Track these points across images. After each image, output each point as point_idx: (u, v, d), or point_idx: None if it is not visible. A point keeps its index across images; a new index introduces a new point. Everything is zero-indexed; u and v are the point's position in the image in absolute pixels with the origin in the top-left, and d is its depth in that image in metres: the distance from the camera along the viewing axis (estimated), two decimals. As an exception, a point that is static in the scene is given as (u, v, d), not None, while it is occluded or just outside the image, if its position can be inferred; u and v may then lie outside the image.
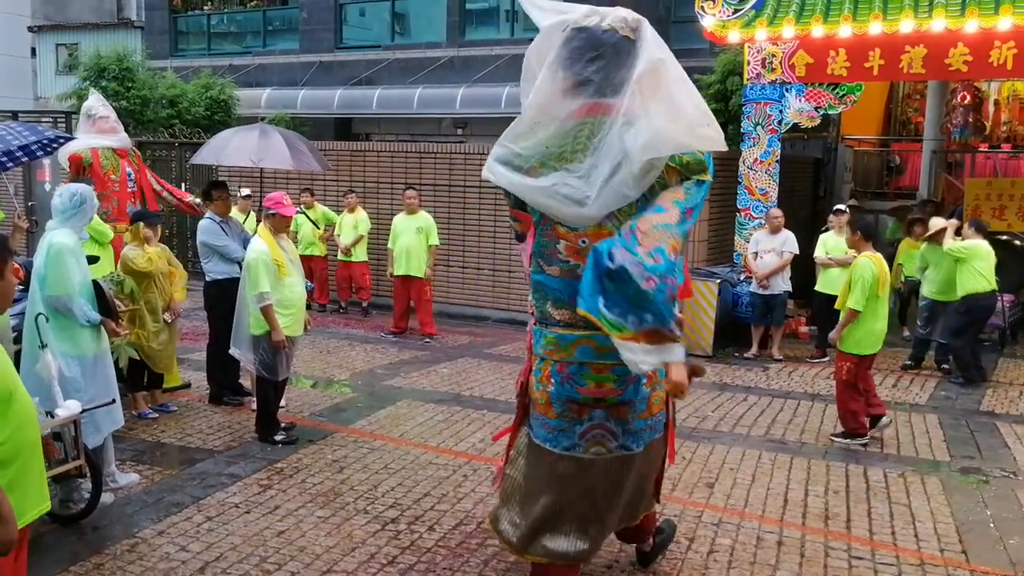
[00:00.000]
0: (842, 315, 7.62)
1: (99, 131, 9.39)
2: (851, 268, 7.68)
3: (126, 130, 19.37)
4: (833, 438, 7.67)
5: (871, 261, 7.44)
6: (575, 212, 4.08)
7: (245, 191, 12.12)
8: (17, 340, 5.82)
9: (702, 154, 4.21)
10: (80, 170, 8.96)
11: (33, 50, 31.07)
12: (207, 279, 8.17)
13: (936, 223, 10.22)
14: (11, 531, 3.06)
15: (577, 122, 4.12)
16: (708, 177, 4.25)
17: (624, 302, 3.81)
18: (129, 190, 9.40)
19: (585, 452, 4.30)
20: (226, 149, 9.13)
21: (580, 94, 4.13)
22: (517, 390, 4.72)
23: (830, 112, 11.42)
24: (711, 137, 4.13)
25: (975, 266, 9.47)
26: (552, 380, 4.33)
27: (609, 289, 3.83)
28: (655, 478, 4.78)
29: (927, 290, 10.41)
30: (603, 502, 4.41)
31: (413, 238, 11.50)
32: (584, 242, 4.16)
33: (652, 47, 4.10)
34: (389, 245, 11.88)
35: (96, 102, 9.71)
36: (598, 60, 4.11)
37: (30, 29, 30.99)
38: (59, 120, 17.78)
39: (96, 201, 6.00)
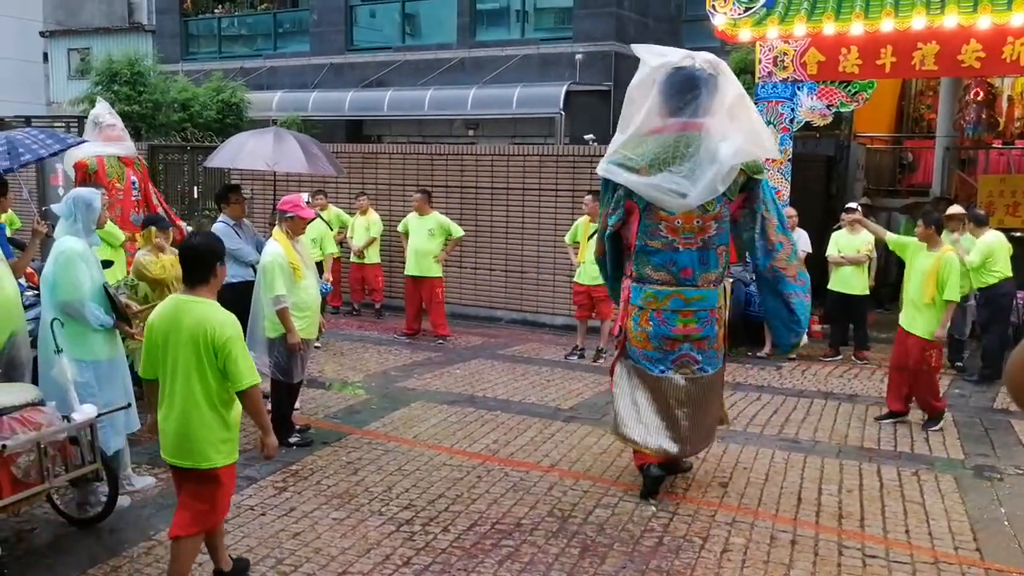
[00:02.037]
0: (920, 306, 7.79)
1: (105, 139, 9.39)
2: (938, 263, 7.68)
3: (138, 135, 19.53)
4: (929, 430, 7.90)
5: (955, 253, 7.80)
6: (679, 203, 5.76)
7: None
8: (33, 345, 5.87)
9: (756, 160, 5.99)
10: (86, 177, 8.96)
11: (45, 55, 31.26)
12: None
13: (953, 209, 10.24)
14: (276, 441, 4.66)
15: (676, 135, 5.80)
16: (764, 175, 6.08)
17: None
18: (133, 199, 9.38)
19: (675, 374, 6.00)
20: (241, 153, 9.13)
21: (679, 115, 5.82)
22: (615, 334, 6.47)
23: (842, 110, 11.36)
24: (772, 149, 6.17)
25: (988, 264, 9.48)
26: (651, 323, 6.03)
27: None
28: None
29: None
30: (687, 413, 6.03)
31: (424, 239, 11.53)
32: (678, 223, 5.89)
33: (734, 83, 5.89)
34: (400, 229, 11.98)
35: (103, 110, 9.69)
36: (694, 91, 5.78)
37: (42, 34, 31.17)
38: (71, 125, 17.89)
39: (98, 204, 5.98)
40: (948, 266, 7.62)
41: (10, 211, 9.91)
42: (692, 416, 6.06)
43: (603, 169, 6.03)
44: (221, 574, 4.86)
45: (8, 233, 8.86)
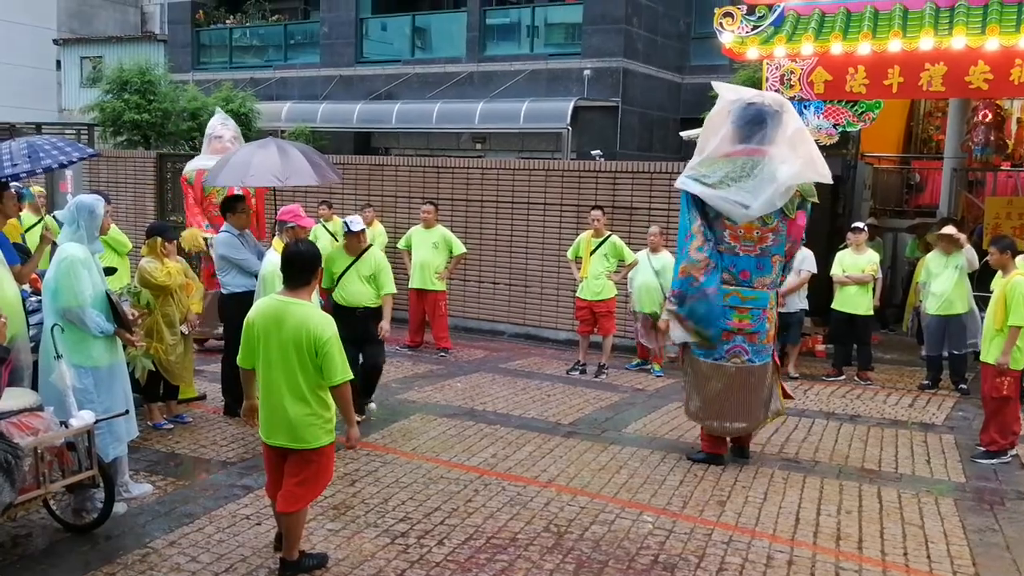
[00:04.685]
0: (992, 333, 7.62)
1: (212, 151, 9.02)
2: (1004, 287, 7.56)
3: (147, 143, 19.44)
4: (977, 460, 7.69)
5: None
6: (743, 213, 6.91)
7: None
8: (35, 350, 5.87)
9: (810, 184, 7.11)
10: (185, 188, 8.66)
11: (58, 63, 31.44)
12: (224, 292, 8.18)
13: (948, 230, 10.23)
14: (358, 433, 5.17)
15: (744, 159, 6.95)
16: (815, 199, 7.30)
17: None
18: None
19: (727, 362, 7.15)
20: (249, 170, 8.75)
21: (748, 142, 6.95)
22: None
23: (849, 129, 11.35)
24: (825, 174, 7.01)
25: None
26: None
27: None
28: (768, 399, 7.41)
29: (932, 306, 10.32)
30: (739, 396, 7.17)
31: (429, 252, 11.54)
32: (740, 231, 7.05)
33: (796, 118, 7.15)
34: (400, 246, 11.94)
35: (216, 121, 9.37)
36: (762, 124, 6.93)
37: (55, 42, 31.37)
38: (82, 132, 17.98)
39: (101, 211, 5.95)
40: (1014, 290, 7.44)
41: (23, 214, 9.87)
42: (740, 399, 7.19)
43: (680, 182, 7.15)
44: (285, 563, 5.08)
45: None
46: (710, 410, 7.26)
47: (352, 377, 4.93)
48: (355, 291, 8.12)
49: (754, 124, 6.95)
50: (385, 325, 8.19)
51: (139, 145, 19.11)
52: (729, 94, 7.18)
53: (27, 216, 9.75)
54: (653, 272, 10.41)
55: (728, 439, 7.47)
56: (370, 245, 8.36)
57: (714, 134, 7.12)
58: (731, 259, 7.11)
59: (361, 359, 8.15)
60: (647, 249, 10.60)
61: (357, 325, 7.98)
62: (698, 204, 7.13)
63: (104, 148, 18.81)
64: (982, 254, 9.69)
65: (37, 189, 10.78)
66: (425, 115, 21.42)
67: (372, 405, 8.43)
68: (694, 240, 7.16)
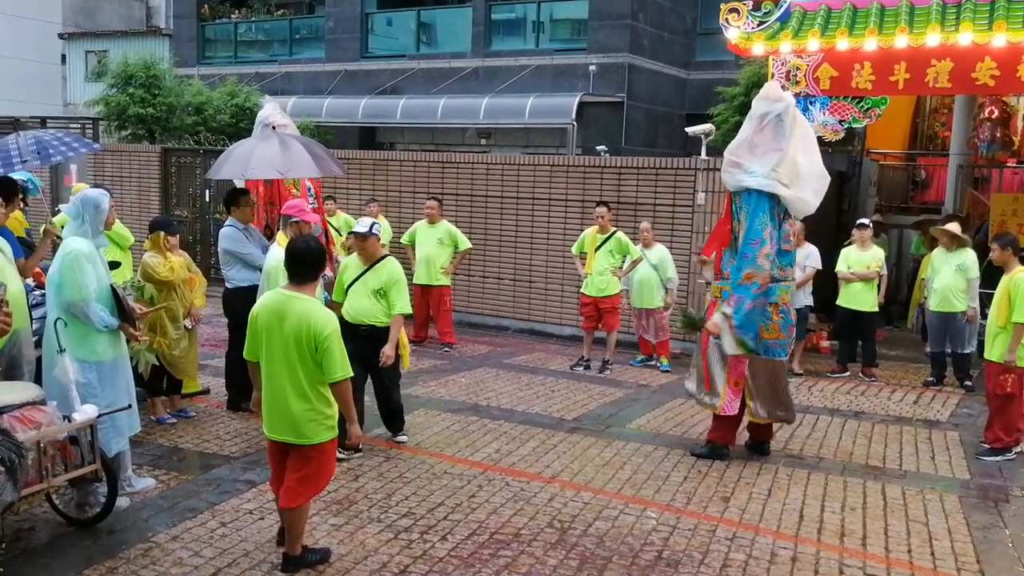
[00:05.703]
0: (995, 330, 7.58)
1: None
2: (1007, 284, 7.53)
3: (152, 137, 19.44)
4: (981, 457, 7.67)
5: None
6: (804, 209, 7.15)
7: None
8: (38, 344, 5.87)
9: None
10: (263, 183, 8.52)
11: (63, 57, 31.48)
12: (228, 286, 8.17)
13: (952, 227, 10.20)
14: (359, 431, 5.26)
15: (791, 156, 7.00)
16: None
17: None
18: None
19: (785, 356, 7.42)
20: (250, 163, 8.68)
21: (788, 141, 7.00)
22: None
23: (854, 126, 11.32)
24: None
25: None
26: (781, 315, 7.17)
27: None
28: None
29: (933, 303, 10.32)
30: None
31: (434, 248, 11.53)
32: (791, 227, 7.44)
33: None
34: (404, 241, 11.92)
35: (272, 110, 9.29)
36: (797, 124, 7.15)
37: (60, 36, 31.41)
38: (87, 126, 17.97)
39: (106, 206, 5.93)
40: (1017, 286, 7.40)
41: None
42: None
43: (767, 186, 6.97)
44: (287, 558, 5.07)
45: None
46: (779, 403, 7.41)
47: (352, 375, 4.91)
48: (360, 306, 7.09)
49: (795, 124, 7.14)
50: (387, 349, 7.01)
51: (144, 139, 19.11)
52: (785, 95, 7.28)
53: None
54: (651, 266, 10.41)
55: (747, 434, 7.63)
56: (387, 255, 7.37)
57: (778, 135, 7.01)
58: (792, 255, 7.51)
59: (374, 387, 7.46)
60: (639, 245, 10.57)
61: (363, 345, 6.97)
62: (771, 209, 7.03)
63: (109, 142, 18.82)
64: (988, 251, 9.67)
65: (80, 186, 10.79)
66: (430, 110, 21.41)
67: (403, 437, 7.53)
68: (764, 246, 6.94)
